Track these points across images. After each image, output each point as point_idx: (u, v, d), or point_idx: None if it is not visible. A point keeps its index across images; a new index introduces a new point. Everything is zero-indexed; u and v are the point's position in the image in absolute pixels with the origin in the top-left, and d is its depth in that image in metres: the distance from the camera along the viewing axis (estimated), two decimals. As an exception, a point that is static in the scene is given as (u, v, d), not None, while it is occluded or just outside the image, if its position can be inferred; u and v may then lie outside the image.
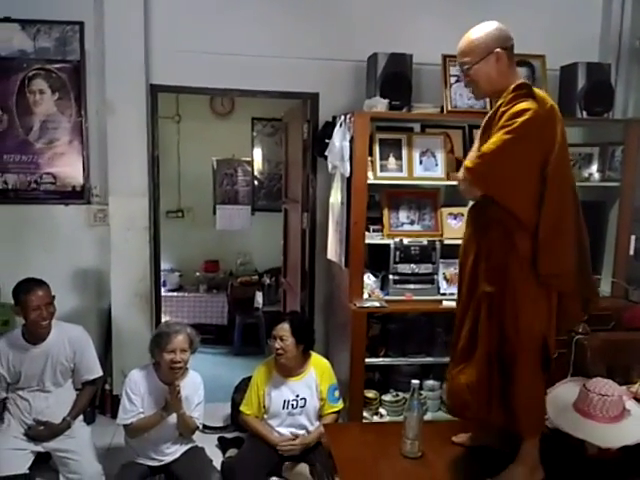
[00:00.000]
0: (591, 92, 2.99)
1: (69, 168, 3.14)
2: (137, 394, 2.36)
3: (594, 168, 3.12)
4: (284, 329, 2.55)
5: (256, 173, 5.24)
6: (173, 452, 2.42)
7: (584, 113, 3.01)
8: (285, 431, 2.59)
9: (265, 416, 2.62)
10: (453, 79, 2.96)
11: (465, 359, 1.72)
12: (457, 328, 1.80)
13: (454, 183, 2.92)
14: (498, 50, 1.66)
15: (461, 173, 1.72)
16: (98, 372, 2.61)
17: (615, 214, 3.06)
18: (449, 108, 2.94)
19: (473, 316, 1.70)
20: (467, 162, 1.67)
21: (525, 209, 1.60)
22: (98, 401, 3.14)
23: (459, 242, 2.92)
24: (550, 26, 3.25)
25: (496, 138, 1.58)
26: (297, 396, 2.58)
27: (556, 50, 3.10)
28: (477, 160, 1.64)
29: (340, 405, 2.64)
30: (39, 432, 2.40)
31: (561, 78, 3.16)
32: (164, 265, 4.39)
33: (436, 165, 2.89)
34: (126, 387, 2.39)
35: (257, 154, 5.22)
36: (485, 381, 1.67)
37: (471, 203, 1.83)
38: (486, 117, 1.73)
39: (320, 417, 2.61)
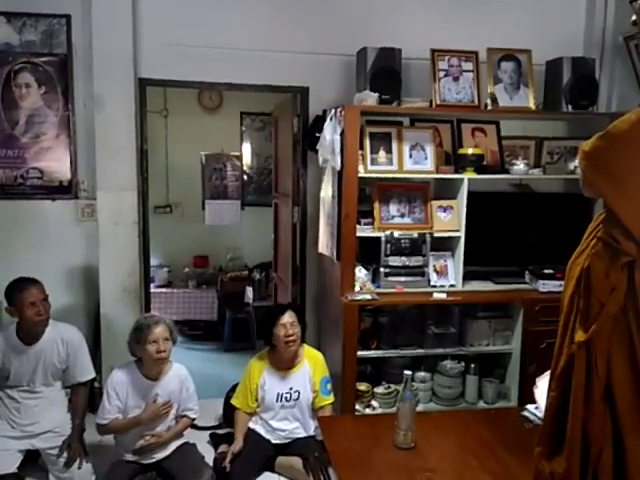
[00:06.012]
0: (576, 86, 3.03)
1: (56, 163, 3.10)
2: (119, 394, 2.34)
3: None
4: (292, 316, 2.56)
5: (245, 168, 5.22)
6: (164, 449, 2.41)
7: (569, 107, 3.05)
8: (278, 424, 2.60)
9: (258, 409, 2.63)
10: (442, 73, 2.98)
11: (554, 440, 1.24)
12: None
13: (444, 176, 2.97)
14: None
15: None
16: (91, 374, 2.58)
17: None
18: (438, 102, 2.96)
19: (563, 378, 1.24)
20: (584, 144, 1.21)
21: None
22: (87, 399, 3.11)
23: (449, 234, 3.02)
24: (536, 22, 3.29)
25: (634, 113, 1.12)
26: (291, 389, 2.59)
27: (542, 45, 3.13)
28: (598, 141, 1.16)
29: (332, 398, 2.65)
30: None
31: (547, 72, 3.19)
32: (152, 261, 4.35)
33: (425, 158, 2.91)
34: (107, 387, 2.37)
35: (246, 149, 5.19)
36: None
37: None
38: None
39: (314, 410, 2.63)
